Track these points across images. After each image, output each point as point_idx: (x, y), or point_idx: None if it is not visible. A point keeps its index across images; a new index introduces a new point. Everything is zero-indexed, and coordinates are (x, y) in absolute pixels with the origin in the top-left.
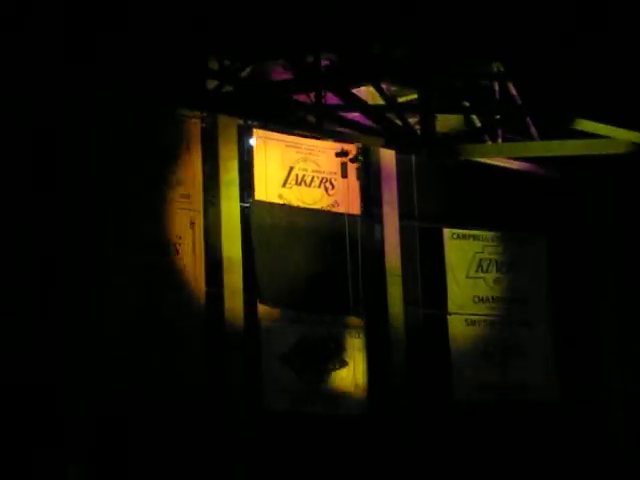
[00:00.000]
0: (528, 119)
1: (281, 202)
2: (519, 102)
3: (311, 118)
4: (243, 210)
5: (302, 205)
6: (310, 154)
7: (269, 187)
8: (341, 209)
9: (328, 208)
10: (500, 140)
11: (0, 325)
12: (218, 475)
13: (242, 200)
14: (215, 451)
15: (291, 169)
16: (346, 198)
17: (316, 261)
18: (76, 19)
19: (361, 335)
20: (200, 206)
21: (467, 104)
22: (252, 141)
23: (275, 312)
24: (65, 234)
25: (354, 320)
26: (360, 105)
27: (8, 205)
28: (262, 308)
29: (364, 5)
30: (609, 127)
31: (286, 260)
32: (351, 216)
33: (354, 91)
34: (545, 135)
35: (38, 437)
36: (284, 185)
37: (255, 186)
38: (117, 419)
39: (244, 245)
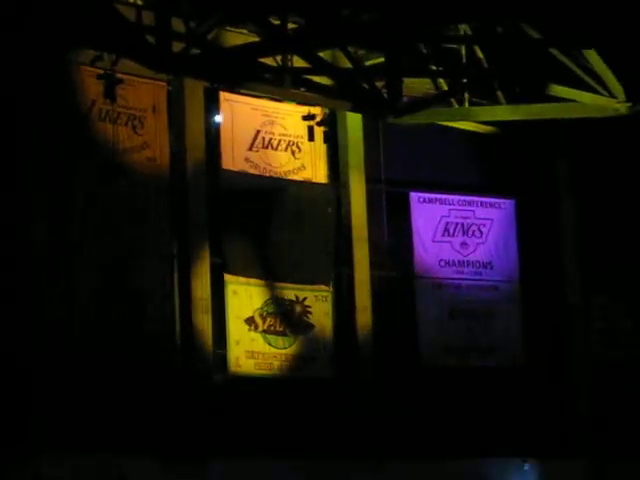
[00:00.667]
0: (495, 83)
1: (248, 166)
2: (485, 66)
3: (278, 81)
4: (209, 174)
5: (269, 168)
6: (277, 117)
7: (236, 150)
8: (307, 173)
9: (294, 171)
10: (467, 104)
11: None
12: (189, 436)
13: (209, 164)
14: (184, 412)
15: (258, 132)
16: (312, 162)
17: (283, 231)
18: None
19: (328, 299)
20: (167, 169)
21: (434, 68)
22: (218, 118)
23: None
24: (32, 197)
25: (322, 286)
26: (327, 68)
27: None
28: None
29: None
30: (578, 92)
31: (253, 230)
32: (318, 184)
33: (321, 54)
34: (511, 99)
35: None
36: (250, 148)
37: (222, 149)
38: (86, 381)
39: (211, 211)
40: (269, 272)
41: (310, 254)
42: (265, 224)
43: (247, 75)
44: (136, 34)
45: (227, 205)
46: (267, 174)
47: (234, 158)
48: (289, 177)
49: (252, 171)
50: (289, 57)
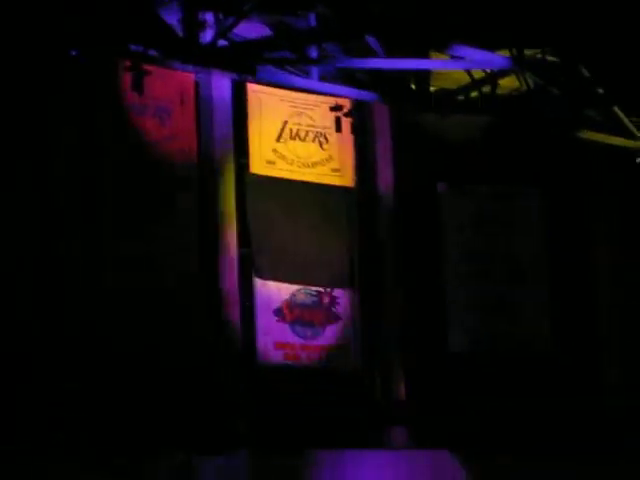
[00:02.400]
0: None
1: (275, 157)
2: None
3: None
4: (238, 165)
5: (296, 159)
6: (304, 108)
7: (263, 142)
8: (335, 164)
9: (322, 162)
10: None
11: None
12: (218, 428)
13: (237, 155)
14: (214, 404)
15: (285, 123)
16: (340, 153)
17: (311, 235)
18: None
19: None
20: (194, 160)
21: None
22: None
23: None
24: (63, 197)
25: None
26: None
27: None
28: None
29: None
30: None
31: (281, 234)
32: (347, 189)
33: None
34: None
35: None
36: (278, 140)
37: (249, 141)
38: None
39: (239, 204)
40: (299, 279)
41: (337, 257)
42: (293, 228)
43: (274, 67)
44: (163, 26)
45: (254, 210)
46: (295, 170)
47: (261, 149)
48: (316, 169)
49: (280, 162)
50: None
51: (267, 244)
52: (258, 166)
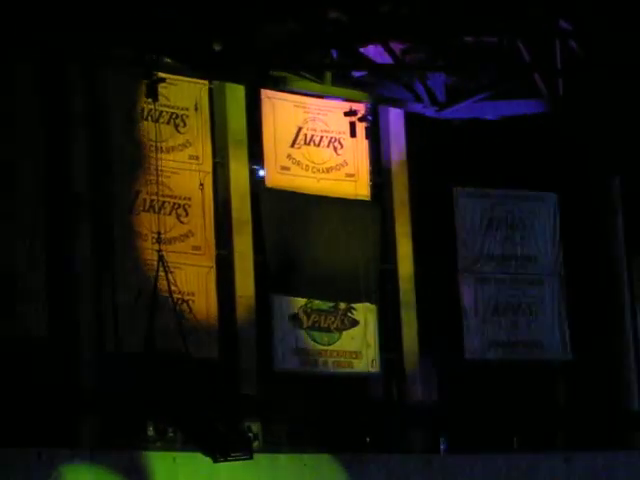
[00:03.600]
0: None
1: (290, 163)
2: (527, 59)
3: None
4: (252, 172)
5: (311, 165)
6: (318, 114)
7: (278, 148)
8: (350, 169)
9: (337, 167)
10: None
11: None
12: (235, 432)
13: (251, 161)
14: (230, 409)
15: (300, 129)
16: (355, 158)
17: (327, 250)
18: None
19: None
20: (209, 167)
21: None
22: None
23: None
24: (77, 204)
25: None
26: (368, 64)
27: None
28: None
29: None
30: None
31: (297, 249)
32: (362, 201)
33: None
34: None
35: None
36: (293, 145)
37: (264, 147)
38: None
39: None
40: (315, 293)
41: (354, 272)
42: (309, 242)
43: (288, 72)
44: (177, 34)
45: (270, 223)
46: (309, 175)
47: (276, 155)
48: (331, 174)
49: (294, 168)
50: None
51: (283, 260)
52: (273, 172)
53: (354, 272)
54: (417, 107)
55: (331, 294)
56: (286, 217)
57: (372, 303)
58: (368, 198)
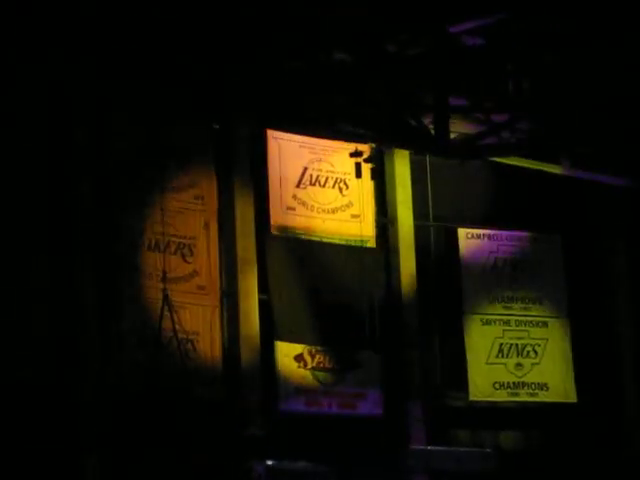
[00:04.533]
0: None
1: (296, 203)
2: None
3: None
4: (257, 212)
5: (317, 205)
6: (324, 154)
7: (283, 188)
8: (355, 210)
9: (342, 208)
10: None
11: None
12: (232, 471)
13: (258, 202)
14: (229, 449)
15: (305, 169)
16: (360, 199)
17: (333, 296)
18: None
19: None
20: (214, 207)
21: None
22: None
23: None
24: (79, 232)
25: None
26: (374, 105)
27: (24, 200)
28: None
29: (378, 3)
30: None
31: (302, 296)
32: (367, 249)
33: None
34: None
35: (54, 431)
36: (298, 186)
37: (269, 187)
38: (132, 414)
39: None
40: (320, 341)
41: (358, 319)
42: (313, 288)
43: (293, 113)
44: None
45: (275, 270)
46: (315, 216)
47: (282, 196)
48: (336, 215)
49: (300, 208)
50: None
51: (287, 306)
52: (278, 212)
53: (359, 319)
54: (423, 148)
55: (335, 341)
56: (290, 263)
57: (377, 353)
58: (373, 239)
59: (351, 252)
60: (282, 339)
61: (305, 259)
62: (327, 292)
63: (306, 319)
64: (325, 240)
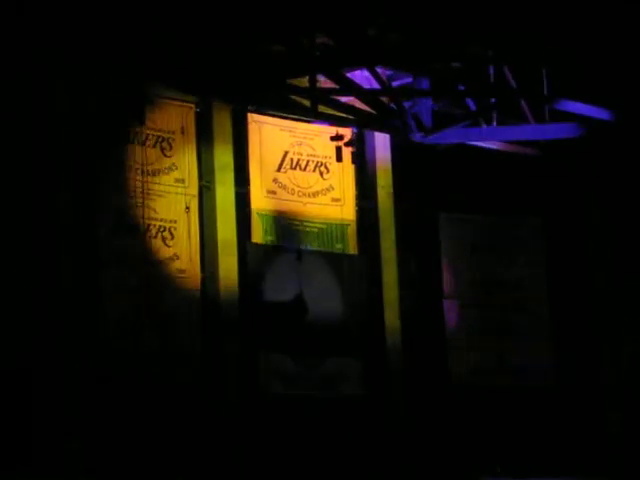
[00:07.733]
0: (523, 102)
1: (276, 187)
2: (514, 85)
3: (306, 102)
4: (238, 195)
5: (297, 189)
6: (305, 138)
7: (264, 171)
8: (336, 193)
9: (323, 192)
10: (495, 123)
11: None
12: (214, 457)
13: (237, 184)
14: (210, 433)
15: (286, 153)
16: (341, 183)
17: (315, 305)
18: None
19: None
20: (195, 190)
21: (462, 88)
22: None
23: None
24: (60, 221)
25: None
26: (355, 89)
27: (6, 191)
28: None
29: None
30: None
31: (284, 305)
32: (350, 256)
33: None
34: (540, 118)
35: (37, 415)
36: (279, 170)
37: (250, 170)
38: (115, 400)
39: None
40: (302, 351)
41: (344, 327)
42: (297, 297)
43: (274, 96)
44: (164, 56)
45: (257, 282)
46: (295, 199)
47: (262, 180)
48: (317, 198)
49: (281, 192)
50: (316, 77)
51: (272, 316)
52: (259, 196)
53: (344, 326)
54: (403, 132)
55: (317, 350)
56: (270, 272)
57: (358, 360)
58: (354, 222)
59: (332, 259)
60: (263, 348)
61: (285, 267)
62: (308, 302)
63: (288, 330)
64: (306, 224)
